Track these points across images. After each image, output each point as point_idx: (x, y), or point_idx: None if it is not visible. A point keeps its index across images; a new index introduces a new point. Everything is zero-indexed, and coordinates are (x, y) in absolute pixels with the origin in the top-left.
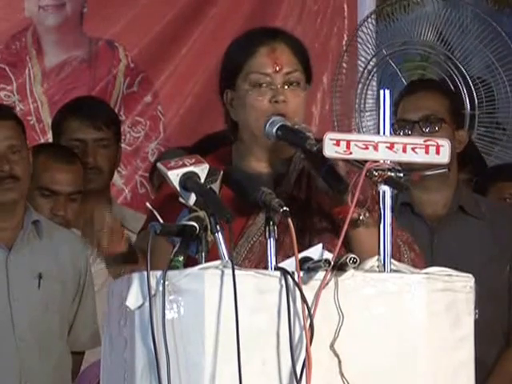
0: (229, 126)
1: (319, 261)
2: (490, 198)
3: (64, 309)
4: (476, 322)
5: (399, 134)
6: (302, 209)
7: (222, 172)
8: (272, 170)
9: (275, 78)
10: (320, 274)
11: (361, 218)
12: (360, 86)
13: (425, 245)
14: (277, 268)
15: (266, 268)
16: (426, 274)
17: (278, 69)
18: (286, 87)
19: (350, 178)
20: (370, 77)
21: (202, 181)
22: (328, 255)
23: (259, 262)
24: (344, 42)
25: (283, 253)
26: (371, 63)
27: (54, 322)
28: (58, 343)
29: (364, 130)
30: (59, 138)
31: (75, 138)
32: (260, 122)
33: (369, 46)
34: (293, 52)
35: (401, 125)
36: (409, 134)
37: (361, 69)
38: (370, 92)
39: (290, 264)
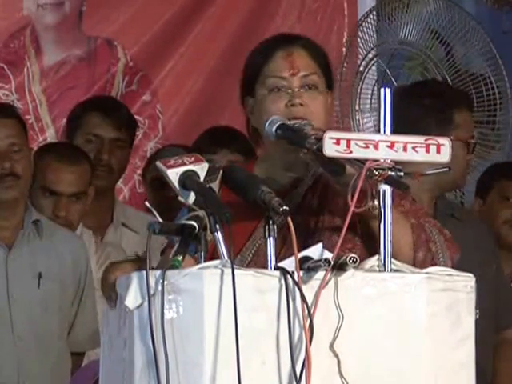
0: (250, 135)
1: (319, 260)
2: (492, 196)
3: (64, 309)
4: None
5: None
6: (313, 215)
7: (221, 171)
8: (290, 175)
9: (292, 81)
10: (320, 274)
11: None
12: (360, 85)
13: None
14: (276, 267)
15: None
16: (427, 273)
17: (294, 72)
18: (304, 90)
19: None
20: (362, 77)
21: (202, 179)
22: (328, 255)
23: (264, 264)
24: (344, 40)
25: (290, 253)
26: (363, 62)
27: (53, 322)
28: (56, 343)
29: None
30: (75, 131)
31: (94, 133)
32: None
33: (370, 45)
34: (310, 55)
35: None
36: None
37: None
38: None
39: (289, 263)
